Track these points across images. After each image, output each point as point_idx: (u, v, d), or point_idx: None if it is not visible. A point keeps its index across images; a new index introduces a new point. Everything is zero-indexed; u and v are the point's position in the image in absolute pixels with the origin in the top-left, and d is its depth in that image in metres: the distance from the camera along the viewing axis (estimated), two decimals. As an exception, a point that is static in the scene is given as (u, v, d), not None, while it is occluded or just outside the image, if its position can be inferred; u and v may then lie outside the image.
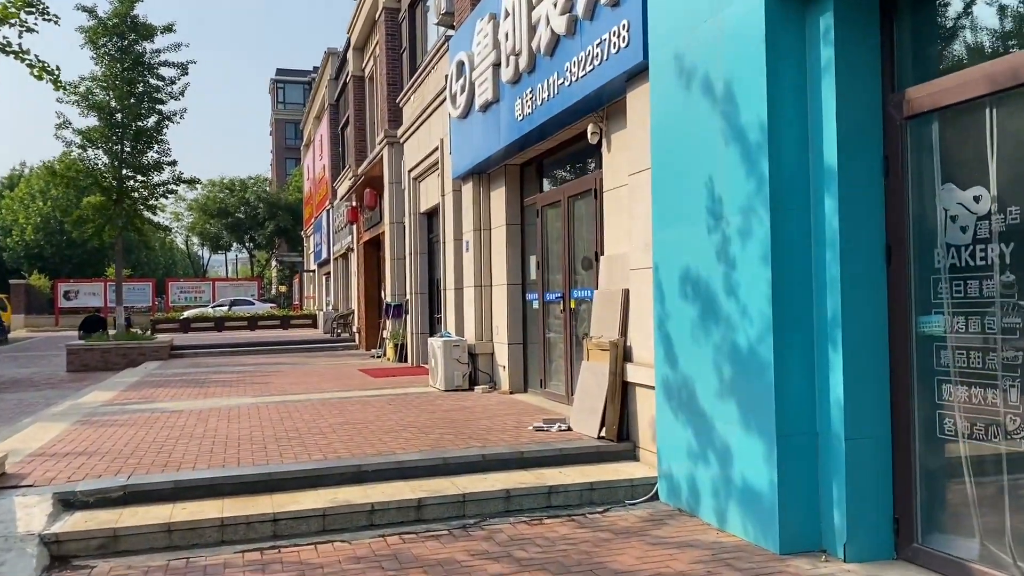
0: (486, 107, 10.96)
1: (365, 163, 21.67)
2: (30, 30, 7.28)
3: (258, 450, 7.70)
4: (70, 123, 22.59)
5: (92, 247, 51.55)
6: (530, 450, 7.23)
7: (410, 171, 16.87)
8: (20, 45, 7.17)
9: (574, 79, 8.13)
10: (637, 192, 7.25)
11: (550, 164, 10.97)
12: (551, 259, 10.58)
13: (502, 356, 11.76)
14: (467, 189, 12.70)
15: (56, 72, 7.25)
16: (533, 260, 11.11)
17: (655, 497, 6.57)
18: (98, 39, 22.46)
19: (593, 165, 9.37)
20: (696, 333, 5.97)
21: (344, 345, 24.64)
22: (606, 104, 8.22)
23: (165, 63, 23.56)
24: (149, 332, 28.30)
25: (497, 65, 10.40)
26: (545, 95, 8.87)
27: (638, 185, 7.22)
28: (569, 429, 8.08)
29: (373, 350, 21.17)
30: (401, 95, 17.49)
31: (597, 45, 7.60)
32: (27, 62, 7.11)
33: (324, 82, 31.26)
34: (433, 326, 16.54)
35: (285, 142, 74.71)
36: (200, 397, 12.35)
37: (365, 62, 23.40)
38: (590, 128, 8.43)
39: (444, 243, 14.15)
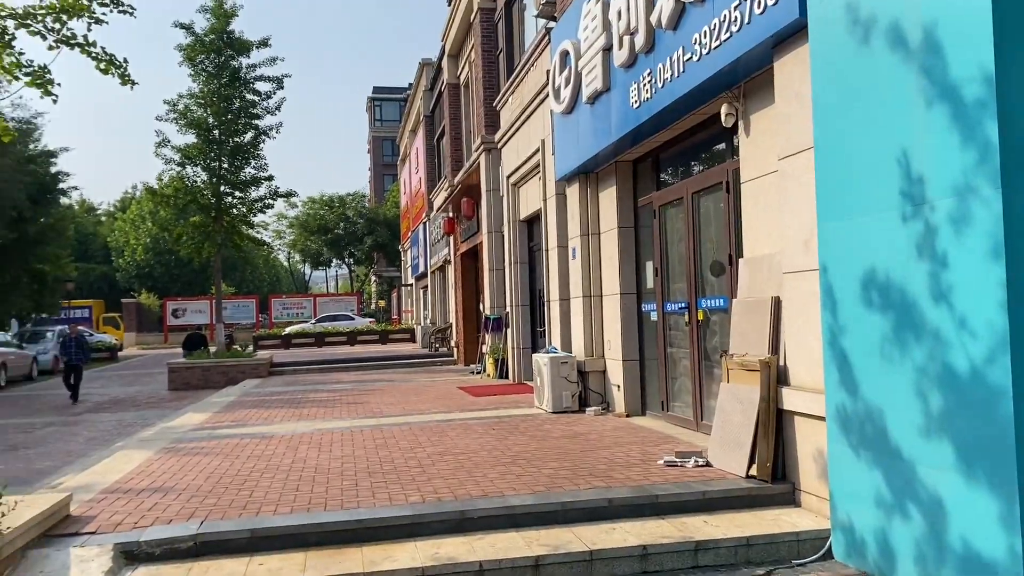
0: (594, 98, 9.85)
1: (461, 172, 20.89)
2: (99, 21, 6.62)
3: (349, 488, 6.76)
4: (169, 140, 22.70)
5: (199, 266, 53.02)
6: (666, 492, 6.03)
7: (508, 177, 15.92)
8: (86, 37, 6.50)
9: (704, 52, 6.92)
10: (791, 179, 5.98)
11: (668, 158, 9.74)
12: (672, 264, 9.34)
13: (616, 374, 10.57)
14: (572, 191, 11.60)
15: (123, 65, 6.53)
16: (650, 266, 9.90)
17: (828, 555, 5.28)
18: (195, 56, 22.48)
19: (724, 154, 8.11)
20: (887, 351, 4.67)
21: (442, 360, 23.88)
22: (743, 79, 6.99)
23: (261, 77, 23.45)
24: (251, 348, 28.32)
25: (608, 49, 9.27)
26: (667, 75, 7.68)
27: (792, 171, 5.96)
28: (708, 465, 6.83)
29: (472, 365, 20.29)
30: (498, 98, 16.58)
31: (736, 7, 6.38)
32: (93, 55, 6.43)
33: (419, 94, 30.80)
34: (535, 340, 15.48)
35: (382, 159, 75.47)
36: (293, 419, 11.62)
37: (460, 69, 22.67)
38: (724, 109, 7.20)
39: (547, 251, 13.07)
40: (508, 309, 16.28)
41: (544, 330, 14.18)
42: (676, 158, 9.54)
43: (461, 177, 20.53)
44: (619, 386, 10.47)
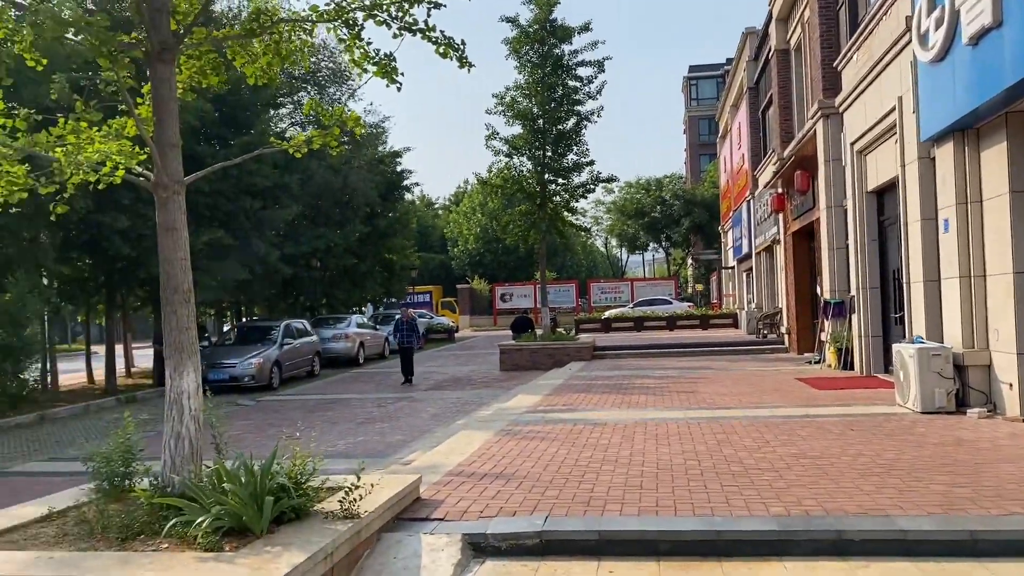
0: (979, 37, 8.18)
1: (793, 143, 19.26)
2: (437, 6, 6.57)
3: (697, 490, 6.11)
4: (497, 133, 23.61)
5: (523, 253, 55.65)
6: (1121, 530, 4.63)
7: (852, 144, 14.21)
8: (426, 23, 6.47)
9: None
10: None
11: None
12: (1091, 236, 7.47)
13: (1007, 370, 8.79)
14: (943, 153, 9.88)
15: (461, 48, 6.42)
16: (1056, 239, 8.04)
17: None
18: (521, 48, 23.12)
19: None
20: None
21: (771, 348, 22.34)
22: None
23: (582, 63, 23.54)
24: (573, 332, 28.84)
25: (999, -26, 7.61)
26: (1099, -8, 6.01)
27: None
28: None
29: (808, 354, 18.65)
30: (839, 58, 14.89)
31: None
32: (433, 39, 6.39)
33: (741, 66, 29.21)
34: (887, 328, 13.68)
35: (698, 138, 73.79)
36: (623, 407, 11.25)
37: (790, 32, 20.93)
38: None
39: (906, 224, 11.37)
40: (853, 292, 14.60)
41: (900, 316, 12.42)
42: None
43: (793, 149, 18.92)
44: (1011, 384, 8.69)
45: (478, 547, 5.11)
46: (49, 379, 19.56)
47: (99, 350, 22.99)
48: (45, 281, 17.89)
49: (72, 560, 4.14)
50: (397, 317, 19.63)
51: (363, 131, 6.86)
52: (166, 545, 4.42)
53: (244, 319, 28.68)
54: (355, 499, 4.88)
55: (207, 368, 19.53)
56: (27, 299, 16.35)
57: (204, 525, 4.40)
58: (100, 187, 5.58)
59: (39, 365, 18.12)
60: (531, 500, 5.95)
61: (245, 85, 23.58)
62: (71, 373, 25.11)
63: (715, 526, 5.10)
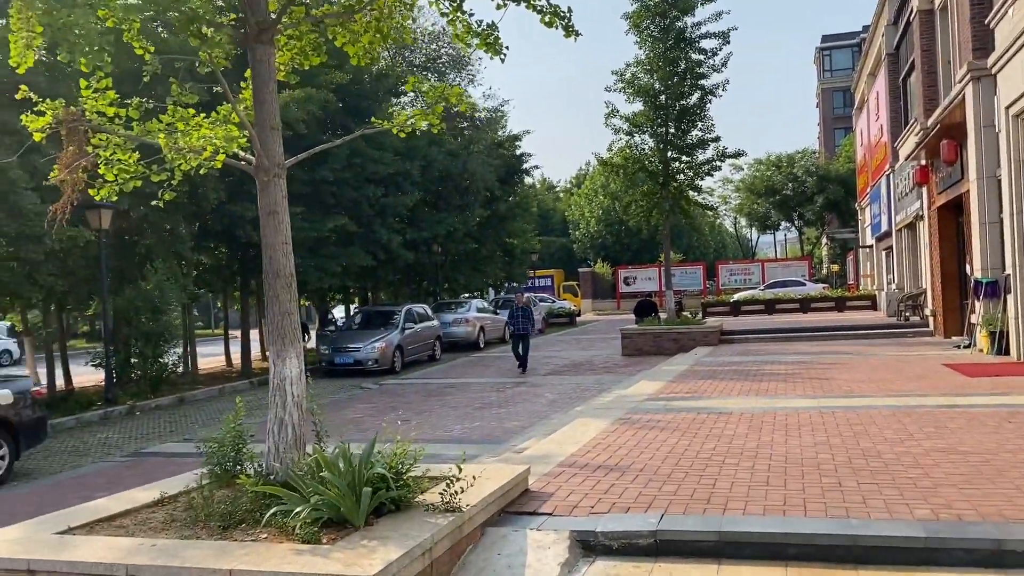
0: None
1: (938, 111, 17.78)
2: (541, -25, 6.23)
3: (830, 487, 5.58)
4: (617, 111, 23.02)
5: (647, 235, 54.62)
6: None
7: (1008, 107, 12.93)
8: (532, -10, 6.13)
9: None
10: None
11: None
12: None
13: None
14: (1119, 112, 8.74)
15: (567, 16, 6.06)
16: None
17: None
18: (641, 22, 22.41)
19: None
20: None
21: (914, 331, 20.86)
22: None
23: (706, 35, 22.60)
24: (699, 315, 27.97)
25: None
26: None
27: None
28: None
29: (956, 338, 17.26)
30: (992, 14, 13.55)
31: None
32: (538, 8, 6.06)
33: (879, 31, 27.36)
34: (1050, 309, 12.40)
35: (832, 112, 70.12)
36: (751, 394, 10.64)
37: (934, -10, 19.33)
38: None
39: (1073, 195, 10.19)
40: (1008, 271, 13.33)
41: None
42: None
43: (938, 116, 17.47)
44: None
45: (587, 545, 4.81)
46: (190, 363, 20.57)
47: (237, 335, 24.03)
48: (184, 270, 18.74)
49: (172, 549, 4.11)
50: (516, 301, 18.98)
51: (467, 108, 6.63)
52: (265, 535, 4.34)
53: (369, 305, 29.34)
54: (457, 491, 4.66)
55: (332, 352, 20.05)
56: (166, 287, 17.17)
57: (303, 516, 4.29)
58: (202, 172, 5.58)
59: (179, 350, 19.05)
60: (646, 495, 5.58)
61: (368, 75, 24.07)
62: (212, 357, 26.43)
63: (851, 530, 4.59)
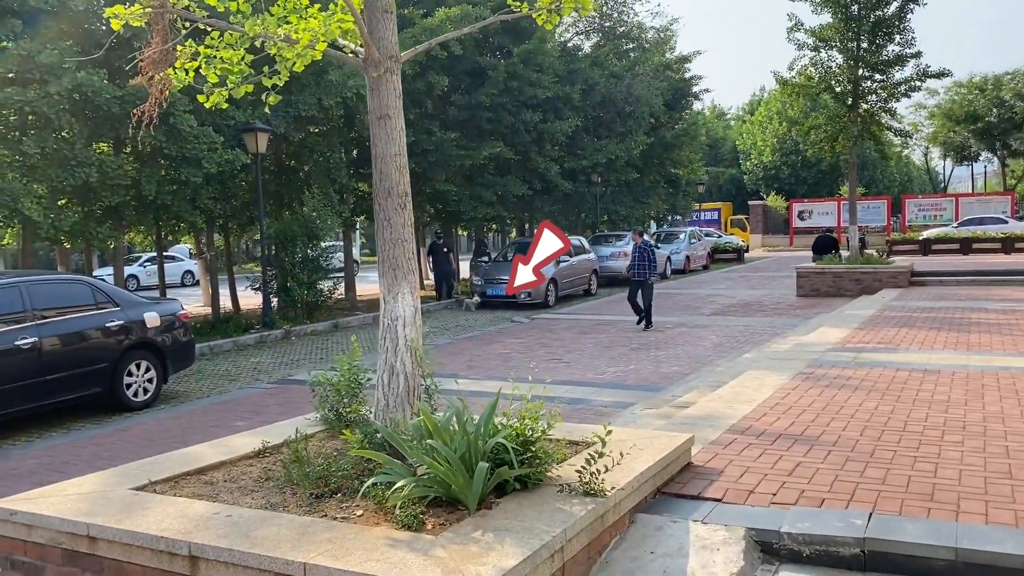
0: None
1: None
2: None
3: (1105, 489, 4.15)
4: (802, 24, 20.58)
5: (826, 167, 50.60)
6: None
7: None
8: None
9: None
10: None
11: None
12: None
13: None
14: None
15: None
16: None
17: None
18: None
19: None
20: None
21: None
22: None
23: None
24: (884, 255, 25.35)
25: None
26: None
27: None
28: None
29: None
30: None
31: None
32: None
33: None
34: None
35: (1050, 27, 61.94)
36: (961, 349, 8.94)
37: None
38: None
39: None
40: None
41: None
42: None
43: None
44: None
45: (769, 548, 3.70)
46: (350, 289, 20.63)
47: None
48: (341, 196, 18.56)
49: (247, 523, 3.37)
50: (645, 239, 15.03)
51: (592, 8, 5.35)
52: (360, 512, 3.53)
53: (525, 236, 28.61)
54: (600, 469, 3.66)
55: (485, 283, 19.49)
56: (322, 213, 17.02)
57: (405, 492, 3.43)
58: (296, 68, 4.71)
59: (339, 275, 19.06)
60: (845, 482, 4.37)
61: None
62: (375, 283, 26.66)
63: None
